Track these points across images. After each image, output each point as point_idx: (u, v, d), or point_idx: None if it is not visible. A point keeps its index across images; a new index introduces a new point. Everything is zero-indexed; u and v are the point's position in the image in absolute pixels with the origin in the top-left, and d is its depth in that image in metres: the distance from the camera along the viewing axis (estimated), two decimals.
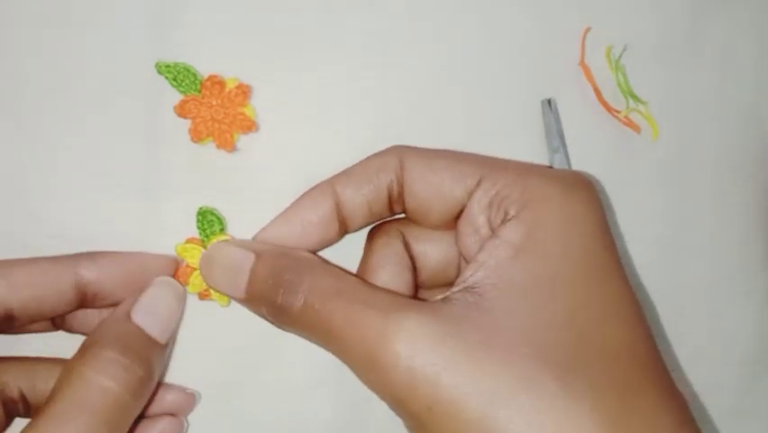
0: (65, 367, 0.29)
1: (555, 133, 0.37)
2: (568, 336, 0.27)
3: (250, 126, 0.34)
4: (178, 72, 0.33)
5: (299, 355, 0.36)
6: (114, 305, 0.32)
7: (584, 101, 0.38)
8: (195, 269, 0.34)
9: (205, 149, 0.35)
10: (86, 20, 0.35)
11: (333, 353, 0.29)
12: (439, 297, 0.29)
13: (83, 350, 0.29)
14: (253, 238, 0.33)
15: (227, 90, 0.34)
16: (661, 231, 0.39)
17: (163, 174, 0.35)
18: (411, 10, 0.37)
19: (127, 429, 0.29)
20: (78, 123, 0.35)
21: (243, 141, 0.35)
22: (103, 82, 0.35)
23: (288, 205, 0.35)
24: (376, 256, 0.33)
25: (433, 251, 0.34)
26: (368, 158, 0.33)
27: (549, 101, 0.37)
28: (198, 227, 0.34)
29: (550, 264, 0.28)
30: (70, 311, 0.33)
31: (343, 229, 0.33)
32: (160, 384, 0.34)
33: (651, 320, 0.31)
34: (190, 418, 0.35)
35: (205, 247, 0.34)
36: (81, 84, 0.35)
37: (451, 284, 0.30)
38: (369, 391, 0.35)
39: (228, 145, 0.34)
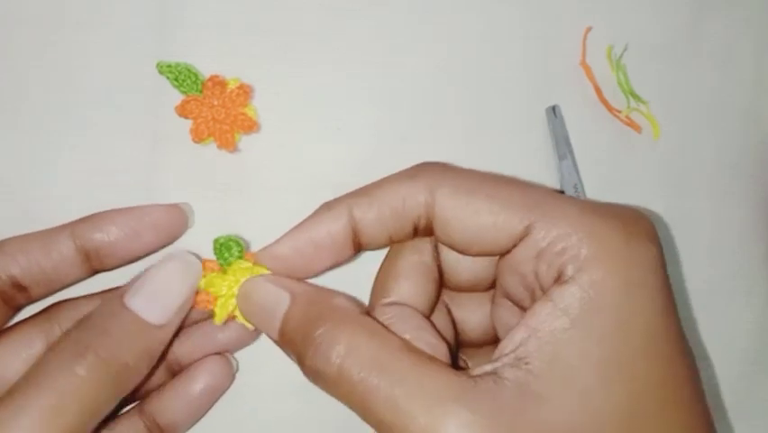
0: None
1: (562, 140, 0.37)
2: (623, 430, 0.25)
3: (251, 126, 0.34)
4: (180, 72, 0.33)
5: None
6: (127, 263, 0.32)
7: (585, 101, 0.38)
8: (218, 297, 0.31)
9: (206, 149, 0.35)
10: (87, 20, 0.35)
11: (370, 426, 0.26)
12: (488, 367, 0.26)
13: (64, 334, 0.29)
14: (261, 253, 0.31)
15: (228, 90, 0.34)
16: (660, 230, 0.39)
17: (164, 174, 0.35)
18: (412, 10, 0.37)
19: (103, 412, 0.28)
20: (79, 123, 0.35)
21: (245, 141, 0.35)
22: (104, 82, 0.35)
23: (287, 201, 0.35)
24: (402, 263, 0.30)
25: (463, 265, 0.31)
26: (392, 181, 0.30)
27: (554, 108, 0.37)
28: (217, 256, 0.32)
29: (608, 343, 0.25)
30: (86, 277, 0.32)
31: (357, 249, 0.31)
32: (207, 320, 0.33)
33: None
34: None
35: (225, 273, 0.31)
36: (82, 84, 0.35)
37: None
38: None
39: (229, 145, 0.34)
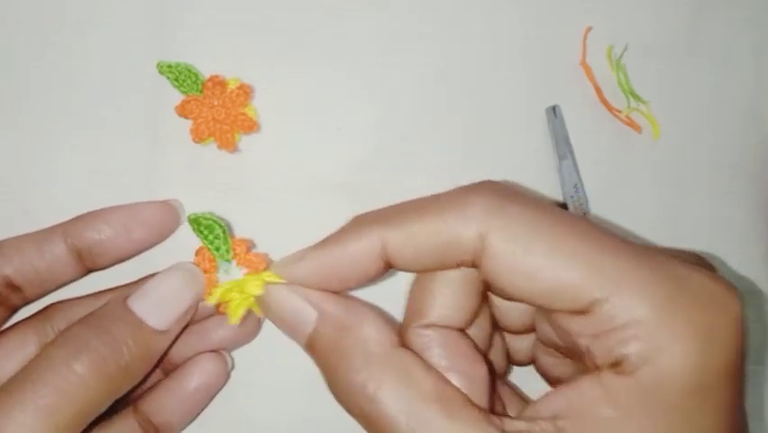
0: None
1: (562, 140, 0.37)
2: None
3: (251, 126, 0.34)
4: (180, 72, 0.33)
5: (299, 355, 0.36)
6: (119, 261, 0.32)
7: (585, 101, 0.38)
8: (229, 301, 0.31)
9: (206, 149, 0.35)
10: (87, 20, 0.35)
11: None
12: (522, 426, 0.24)
13: (63, 330, 0.29)
14: (277, 268, 0.29)
15: (229, 90, 0.34)
16: (661, 230, 0.39)
17: (165, 174, 0.35)
18: (412, 10, 0.37)
19: (96, 412, 0.28)
20: (80, 123, 0.35)
21: (245, 141, 0.35)
22: (104, 82, 0.35)
23: (287, 201, 0.35)
24: (439, 279, 0.27)
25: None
26: (436, 215, 0.26)
27: (554, 108, 0.37)
28: (198, 236, 0.32)
29: None
30: (79, 276, 0.32)
31: (388, 269, 0.28)
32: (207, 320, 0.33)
33: None
34: None
35: (214, 257, 0.31)
36: (83, 84, 0.35)
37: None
38: None
39: (229, 145, 0.34)
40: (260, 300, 0.30)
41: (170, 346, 0.31)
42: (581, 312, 0.24)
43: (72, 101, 0.35)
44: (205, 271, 0.32)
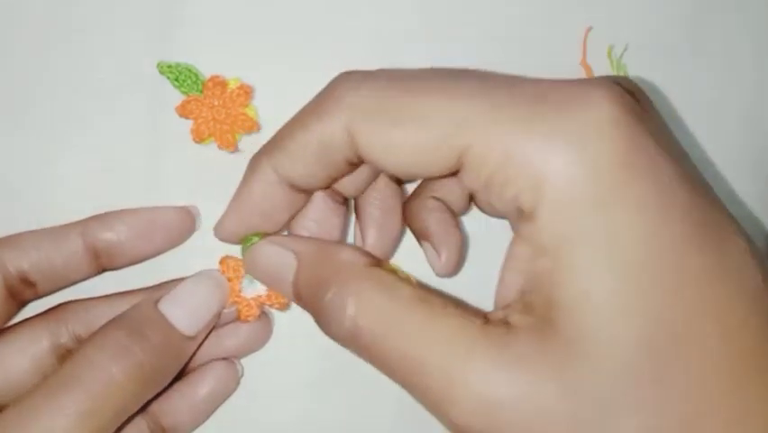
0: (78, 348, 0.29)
1: None
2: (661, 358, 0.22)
3: (251, 127, 0.34)
4: (180, 73, 0.33)
5: (300, 355, 0.36)
6: (135, 263, 0.33)
7: None
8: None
9: (206, 149, 0.35)
10: (88, 20, 0.35)
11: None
12: (499, 314, 0.24)
13: (98, 330, 0.29)
14: (217, 230, 0.32)
15: (229, 91, 0.34)
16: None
17: (165, 174, 0.35)
18: (412, 10, 0.37)
19: (127, 416, 0.28)
20: (80, 123, 0.35)
21: (245, 141, 0.35)
22: (105, 82, 0.35)
23: None
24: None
25: None
26: (303, 124, 0.28)
27: None
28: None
29: (596, 275, 0.22)
30: (93, 275, 0.33)
31: (308, 196, 0.31)
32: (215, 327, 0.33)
33: None
34: None
35: (239, 266, 0.33)
36: (83, 84, 0.35)
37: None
38: (369, 393, 0.36)
39: (230, 146, 0.34)
40: (246, 260, 0.31)
41: (194, 353, 0.31)
42: (459, 169, 0.24)
43: (73, 101, 0.35)
44: (229, 280, 0.32)
